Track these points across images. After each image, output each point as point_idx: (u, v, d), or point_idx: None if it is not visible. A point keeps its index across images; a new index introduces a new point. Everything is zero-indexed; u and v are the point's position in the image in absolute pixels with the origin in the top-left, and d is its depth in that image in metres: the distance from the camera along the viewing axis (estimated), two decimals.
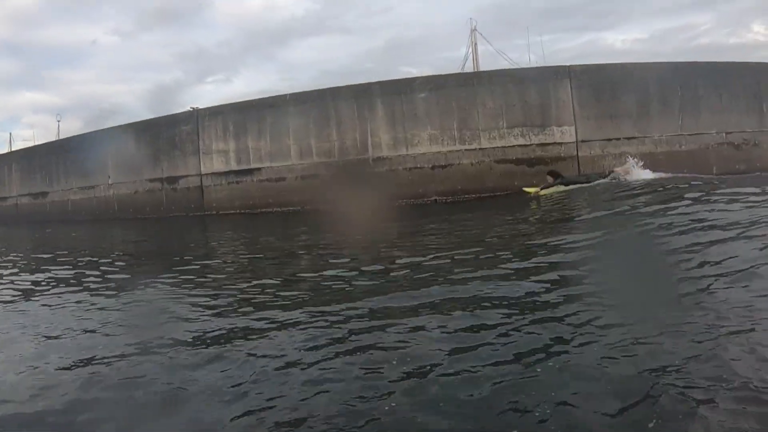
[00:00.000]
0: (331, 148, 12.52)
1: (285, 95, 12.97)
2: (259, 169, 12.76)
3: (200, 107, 13.50)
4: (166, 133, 13.62)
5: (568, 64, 12.42)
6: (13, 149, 23.49)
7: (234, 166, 12.94)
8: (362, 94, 12.63)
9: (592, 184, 9.89)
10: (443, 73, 13.00)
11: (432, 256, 4.87)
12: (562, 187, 10.19)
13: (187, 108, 15.49)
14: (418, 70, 66.25)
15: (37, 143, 20.10)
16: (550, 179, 10.75)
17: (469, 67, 23.01)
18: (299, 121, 12.71)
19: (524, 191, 10.73)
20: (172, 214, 13.21)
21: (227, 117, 13.18)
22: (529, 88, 12.17)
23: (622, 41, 58.50)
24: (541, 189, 10.51)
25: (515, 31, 79.18)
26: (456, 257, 4.73)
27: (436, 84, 12.61)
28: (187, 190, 13.25)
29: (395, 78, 13.01)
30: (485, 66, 22.63)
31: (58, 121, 28.84)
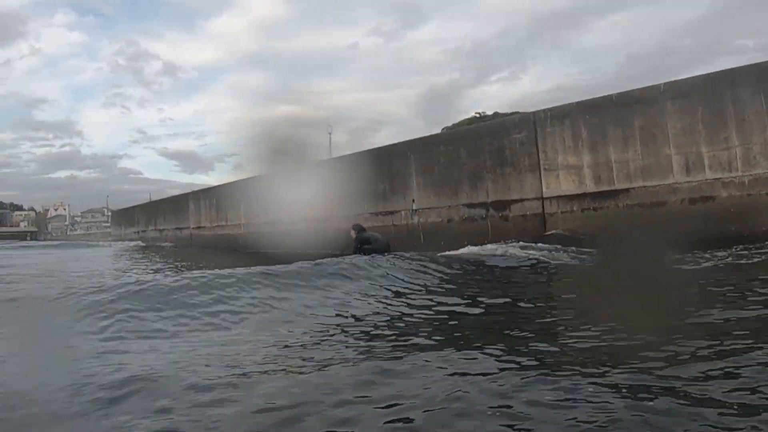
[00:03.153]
0: (731, 157, 9.46)
1: (659, 85, 9.70)
2: (626, 190, 9.86)
3: (537, 110, 10.33)
4: (491, 145, 10.65)
5: None
6: None
7: (591, 187, 10.03)
8: None
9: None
10: None
11: None
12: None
13: (472, 114, 12.46)
14: (754, 42, 51.42)
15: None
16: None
17: None
18: (681, 122, 9.57)
19: None
20: None
21: (577, 120, 10.06)
22: None
23: None
24: None
25: None
26: None
27: None
28: (523, 218, 10.47)
29: None
30: None
31: (329, 133, 25.58)
